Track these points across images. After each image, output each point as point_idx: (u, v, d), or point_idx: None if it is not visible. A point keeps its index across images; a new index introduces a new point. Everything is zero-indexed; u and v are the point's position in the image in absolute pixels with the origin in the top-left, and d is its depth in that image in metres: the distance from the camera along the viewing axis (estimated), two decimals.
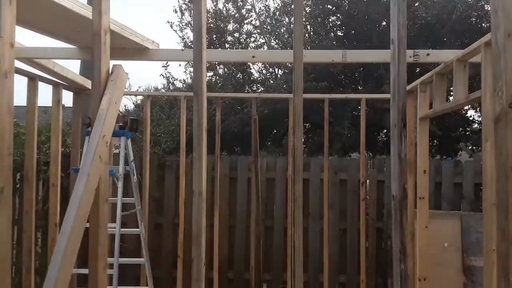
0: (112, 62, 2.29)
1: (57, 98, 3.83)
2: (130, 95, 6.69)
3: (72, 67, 4.47)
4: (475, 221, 4.75)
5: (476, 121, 8.83)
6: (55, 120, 3.83)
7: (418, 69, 7.55)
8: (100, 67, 1.92)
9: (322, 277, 4.80)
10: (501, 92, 1.60)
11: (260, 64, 8.64)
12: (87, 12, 2.27)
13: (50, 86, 3.89)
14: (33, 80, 3.62)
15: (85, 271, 3.12)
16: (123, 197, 3.33)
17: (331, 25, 8.59)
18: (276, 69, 8.77)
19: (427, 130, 3.62)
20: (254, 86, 8.53)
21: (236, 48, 8.69)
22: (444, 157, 8.54)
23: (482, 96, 2.19)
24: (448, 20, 7.41)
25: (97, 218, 1.62)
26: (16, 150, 4.05)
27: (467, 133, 8.90)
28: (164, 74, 8.38)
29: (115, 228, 3.20)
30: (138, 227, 3.63)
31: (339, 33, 8.68)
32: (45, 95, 3.96)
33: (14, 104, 1.78)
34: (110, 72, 2.06)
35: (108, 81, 1.76)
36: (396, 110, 1.62)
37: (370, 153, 8.54)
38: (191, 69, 4.47)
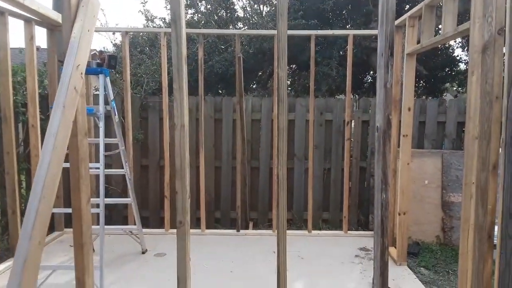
0: None
1: (29, 35, 3.62)
2: (107, 31, 6.38)
3: (44, 2, 4.19)
4: (456, 159, 4.88)
5: (463, 61, 8.80)
6: (29, 57, 3.66)
7: (407, 6, 7.35)
8: None
9: (306, 215, 4.96)
10: (491, 18, 1.55)
11: (244, 1, 8.26)
12: None
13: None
14: (2, 14, 3.40)
15: (69, 210, 3.14)
16: (106, 138, 3.27)
17: None
18: (261, 6, 8.40)
19: (414, 67, 3.58)
20: (240, 23, 8.21)
21: None
22: (430, 98, 8.60)
23: (471, 26, 2.13)
24: None
25: (77, 151, 1.58)
26: None
27: (453, 73, 8.89)
28: (142, 11, 7.99)
29: (99, 168, 3.17)
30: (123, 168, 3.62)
31: None
32: (21, 35, 3.73)
33: None
34: None
35: (79, 8, 1.63)
36: (383, 37, 1.56)
37: (357, 96, 8.52)
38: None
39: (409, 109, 3.62)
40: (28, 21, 3.67)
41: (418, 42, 3.38)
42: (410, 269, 3.79)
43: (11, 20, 3.50)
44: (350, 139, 4.82)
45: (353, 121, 5.20)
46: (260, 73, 8.49)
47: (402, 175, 3.75)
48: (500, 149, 2.11)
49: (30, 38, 3.63)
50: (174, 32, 1.51)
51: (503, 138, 2.17)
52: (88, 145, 1.66)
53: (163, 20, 8.28)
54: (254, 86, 8.86)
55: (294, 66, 8.43)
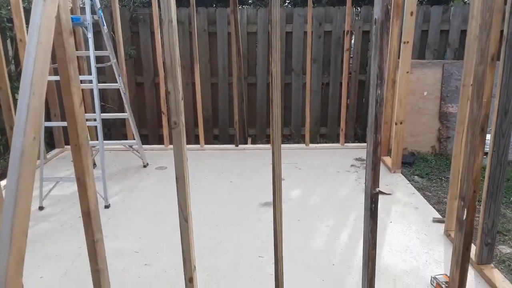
0: None
1: None
2: None
3: None
4: (457, 69, 4.79)
5: None
6: None
7: None
8: None
9: (304, 131, 5.00)
10: None
11: None
12: None
13: None
14: None
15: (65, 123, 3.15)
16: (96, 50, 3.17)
17: None
18: None
19: None
20: None
21: None
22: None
23: None
24: None
25: (63, 51, 1.52)
26: None
27: None
28: None
29: (92, 81, 3.12)
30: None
31: None
32: None
33: None
34: None
35: None
36: None
37: (358, 8, 8.12)
38: None
39: (411, 14, 3.46)
40: None
41: None
42: (404, 176, 3.91)
43: None
44: (350, 49, 4.68)
45: (353, 32, 5.01)
46: None
47: (401, 84, 3.70)
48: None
49: None
50: None
51: (505, 35, 2.09)
52: (74, 45, 1.60)
53: None
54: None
55: None
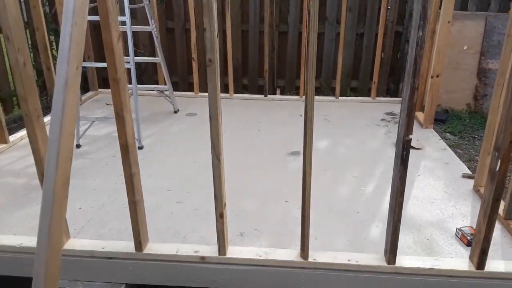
0: None
1: None
2: None
3: None
4: (501, 22, 4.52)
5: None
6: None
7: None
8: None
9: (334, 83, 4.90)
10: None
11: None
12: None
13: None
14: None
15: (103, 64, 3.21)
16: None
17: None
18: None
19: None
20: None
21: None
22: None
23: None
24: None
25: None
26: None
27: None
28: None
29: (125, 22, 3.12)
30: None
31: None
32: None
33: None
34: None
35: None
36: None
37: None
38: None
39: None
40: None
41: None
42: (436, 133, 3.83)
43: None
44: None
45: None
46: None
47: (441, 35, 3.53)
48: None
49: None
50: None
51: None
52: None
53: None
54: None
55: None
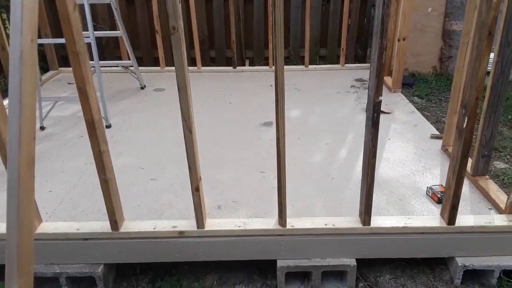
0: None
1: None
2: None
3: None
4: None
5: None
6: None
7: None
8: None
9: (303, 52, 4.87)
10: None
11: None
12: None
13: None
14: None
15: (61, 40, 3.04)
16: None
17: None
18: None
19: None
20: None
21: None
22: None
23: None
24: None
25: None
26: None
27: None
28: None
29: None
30: None
31: None
32: None
33: None
34: None
35: None
36: None
37: None
38: None
39: None
40: None
41: None
42: (404, 96, 3.89)
43: None
44: None
45: None
46: None
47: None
48: None
49: None
50: None
51: None
52: None
53: None
54: None
55: None
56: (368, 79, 1.73)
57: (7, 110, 1.31)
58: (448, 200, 1.94)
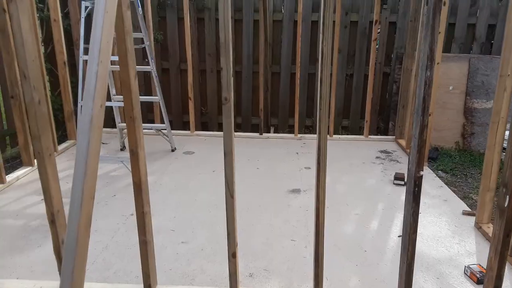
0: None
1: None
2: None
3: None
4: (483, 64, 4.74)
5: None
6: None
7: None
8: None
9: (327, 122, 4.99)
10: None
11: None
12: None
13: None
14: None
15: (119, 103, 3.19)
16: None
17: None
18: None
19: None
20: None
21: None
22: None
23: None
24: None
25: (122, 23, 1.56)
26: None
27: None
28: None
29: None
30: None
31: None
32: None
33: None
34: None
35: None
36: None
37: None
38: None
39: (444, 3, 3.43)
40: None
41: None
42: (431, 170, 3.89)
43: None
44: (377, 40, 4.65)
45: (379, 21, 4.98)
46: None
47: None
48: None
49: None
50: None
51: None
52: (131, 19, 1.63)
53: None
54: None
55: None
56: (412, 135, 1.75)
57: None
58: (490, 282, 1.86)
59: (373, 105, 5.24)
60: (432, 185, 3.46)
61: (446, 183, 3.84)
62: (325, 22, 1.63)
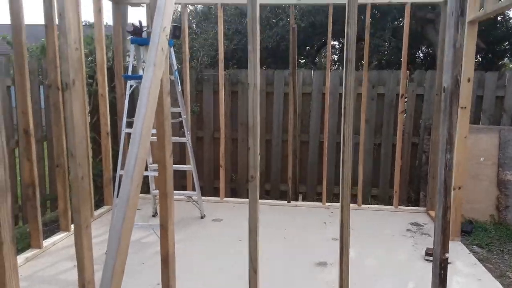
0: None
1: (97, 7, 3.85)
2: None
3: None
4: None
5: None
6: (98, 28, 3.89)
7: None
8: None
9: (355, 190, 4.99)
10: None
11: None
12: None
13: None
14: None
15: (155, 173, 3.38)
16: None
17: None
18: None
19: (475, 35, 3.48)
20: None
21: None
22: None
23: None
24: None
25: (162, 108, 1.74)
26: None
27: None
28: None
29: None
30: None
31: None
32: (86, 9, 3.98)
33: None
34: None
35: None
36: None
37: (408, 71, 8.30)
38: None
39: (468, 80, 3.53)
40: None
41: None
42: (464, 245, 3.76)
43: None
44: (404, 111, 4.75)
45: (405, 95, 5.11)
46: (308, 48, 8.44)
47: (459, 149, 3.69)
48: None
49: (98, 11, 3.86)
50: None
51: None
52: (170, 104, 1.81)
53: None
54: (303, 61, 8.83)
55: (343, 40, 8.30)
56: (435, 215, 1.77)
57: None
58: None
59: (402, 175, 5.21)
60: (465, 262, 3.33)
61: (481, 259, 3.69)
62: (346, 108, 1.75)
